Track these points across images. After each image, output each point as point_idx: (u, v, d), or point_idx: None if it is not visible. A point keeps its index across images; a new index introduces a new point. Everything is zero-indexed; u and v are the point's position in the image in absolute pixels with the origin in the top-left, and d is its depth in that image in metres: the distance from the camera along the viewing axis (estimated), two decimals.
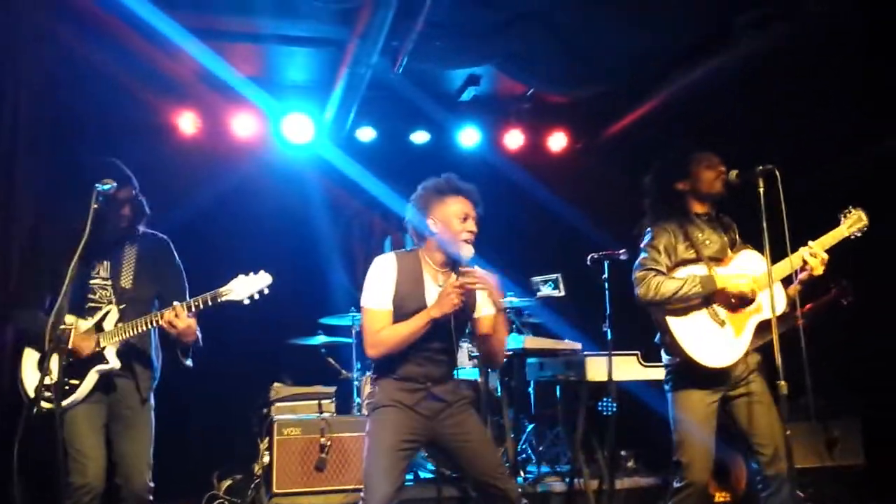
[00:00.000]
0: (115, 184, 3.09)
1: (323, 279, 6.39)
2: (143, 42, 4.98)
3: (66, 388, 3.12)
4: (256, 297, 3.26)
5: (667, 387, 3.39)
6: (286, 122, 6.06)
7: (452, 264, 3.12)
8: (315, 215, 6.47)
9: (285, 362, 5.62)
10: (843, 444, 5.03)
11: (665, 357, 3.40)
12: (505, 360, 3.20)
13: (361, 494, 2.92)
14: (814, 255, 3.24)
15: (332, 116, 6.08)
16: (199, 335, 3.30)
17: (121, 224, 3.31)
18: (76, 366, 3.15)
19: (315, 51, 5.65)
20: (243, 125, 6.17)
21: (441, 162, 6.87)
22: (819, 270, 3.25)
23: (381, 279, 3.09)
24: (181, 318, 3.15)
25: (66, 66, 4.69)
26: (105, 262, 3.32)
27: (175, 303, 3.19)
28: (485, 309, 3.17)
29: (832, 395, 4.75)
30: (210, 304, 3.21)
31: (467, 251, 3.04)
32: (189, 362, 3.37)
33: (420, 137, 6.72)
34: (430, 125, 6.65)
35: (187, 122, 6.09)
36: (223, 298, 3.22)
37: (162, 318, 3.17)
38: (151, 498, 3.28)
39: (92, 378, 3.19)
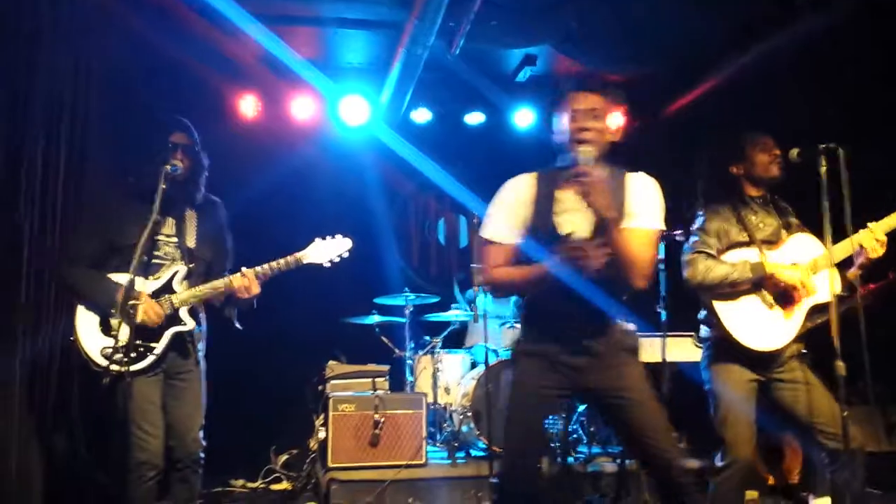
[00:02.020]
0: (181, 165, 3.16)
1: (378, 260, 6.48)
2: (206, 26, 5.11)
3: (141, 349, 3.13)
4: (337, 260, 3.37)
5: (704, 363, 3.32)
6: (343, 105, 6.11)
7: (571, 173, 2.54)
8: (371, 197, 6.56)
9: (340, 341, 5.71)
10: None
11: (704, 331, 3.35)
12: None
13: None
14: (875, 238, 3.16)
15: (389, 98, 6.12)
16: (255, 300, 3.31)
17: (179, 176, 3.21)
18: (151, 328, 3.14)
19: (373, 33, 5.70)
20: (302, 107, 6.25)
21: (496, 143, 6.97)
22: (878, 253, 3.17)
23: (503, 204, 2.69)
24: (254, 284, 3.21)
25: (133, 51, 4.81)
26: (168, 219, 3.29)
27: (244, 269, 3.23)
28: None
29: (891, 381, 4.62)
30: (291, 266, 3.29)
31: (583, 151, 2.55)
32: (238, 325, 3.40)
33: (475, 119, 6.74)
34: (485, 106, 6.66)
35: (248, 105, 6.19)
36: (305, 261, 3.32)
37: (232, 283, 3.20)
38: (203, 455, 3.29)
39: (167, 339, 3.19)
